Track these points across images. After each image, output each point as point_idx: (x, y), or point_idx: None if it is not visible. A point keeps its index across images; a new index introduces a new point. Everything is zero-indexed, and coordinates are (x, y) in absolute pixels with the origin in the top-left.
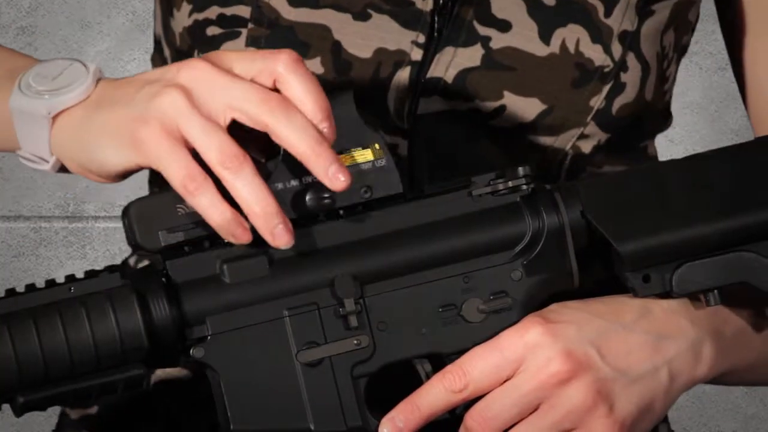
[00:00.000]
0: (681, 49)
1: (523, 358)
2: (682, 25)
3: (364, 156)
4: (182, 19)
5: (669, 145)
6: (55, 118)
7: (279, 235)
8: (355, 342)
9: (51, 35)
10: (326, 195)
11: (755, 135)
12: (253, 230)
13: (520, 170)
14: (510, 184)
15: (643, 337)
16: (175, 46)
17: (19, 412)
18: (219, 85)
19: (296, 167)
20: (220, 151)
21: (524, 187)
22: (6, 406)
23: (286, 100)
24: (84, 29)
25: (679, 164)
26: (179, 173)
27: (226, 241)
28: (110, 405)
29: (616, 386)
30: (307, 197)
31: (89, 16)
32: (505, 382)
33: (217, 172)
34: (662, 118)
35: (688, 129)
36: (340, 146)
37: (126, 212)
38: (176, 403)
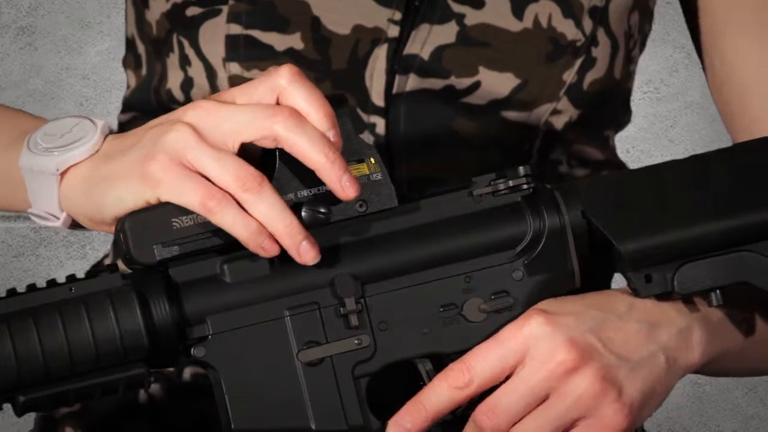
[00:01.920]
0: (643, 37)
1: (526, 349)
2: (645, 10)
3: (359, 170)
4: (159, 5)
5: (669, 145)
6: (63, 174)
7: (305, 252)
8: (356, 341)
9: (51, 35)
10: (322, 209)
11: (723, 119)
12: None
13: (521, 170)
14: (511, 183)
15: (637, 325)
16: (150, 37)
17: (20, 411)
18: (224, 114)
19: (291, 182)
20: (236, 176)
21: (525, 186)
22: (7, 406)
23: (296, 111)
24: (84, 29)
25: (680, 164)
26: (196, 195)
27: (218, 244)
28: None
29: (620, 372)
30: (303, 212)
31: (89, 16)
32: (509, 375)
33: (238, 196)
34: (624, 108)
35: (688, 129)
36: None
37: (120, 226)
38: (158, 394)
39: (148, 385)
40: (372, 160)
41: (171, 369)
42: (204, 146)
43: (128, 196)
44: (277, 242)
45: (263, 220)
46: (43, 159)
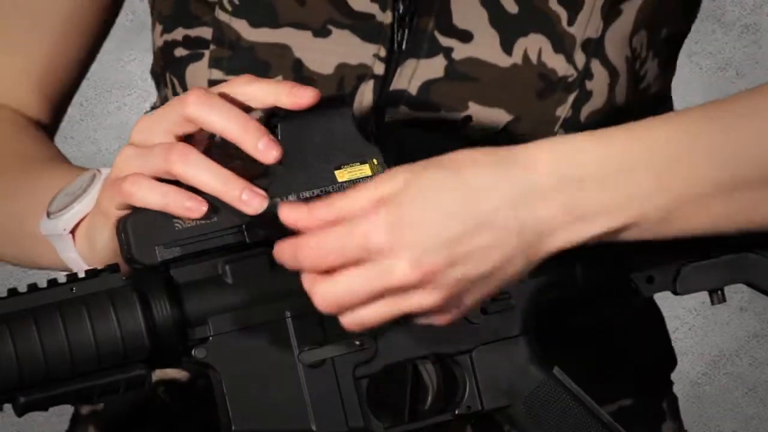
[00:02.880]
0: (663, 42)
1: (368, 252)
2: (660, 19)
3: (362, 171)
4: (156, 39)
5: None
6: (73, 232)
7: (248, 201)
8: (357, 343)
9: None
10: None
11: None
12: (253, 232)
13: None
14: None
15: (494, 236)
16: (154, 68)
17: (20, 411)
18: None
19: (292, 182)
20: (161, 155)
21: None
22: (8, 406)
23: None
24: None
25: None
26: (115, 188)
27: (221, 245)
28: (116, 402)
29: (462, 294)
30: None
31: None
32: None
33: (171, 172)
34: (659, 105)
35: None
36: (339, 161)
37: (122, 226)
38: (175, 403)
39: (149, 386)
40: (375, 161)
41: (181, 378)
42: (134, 152)
43: (103, 230)
44: (203, 200)
45: (198, 184)
46: (53, 223)
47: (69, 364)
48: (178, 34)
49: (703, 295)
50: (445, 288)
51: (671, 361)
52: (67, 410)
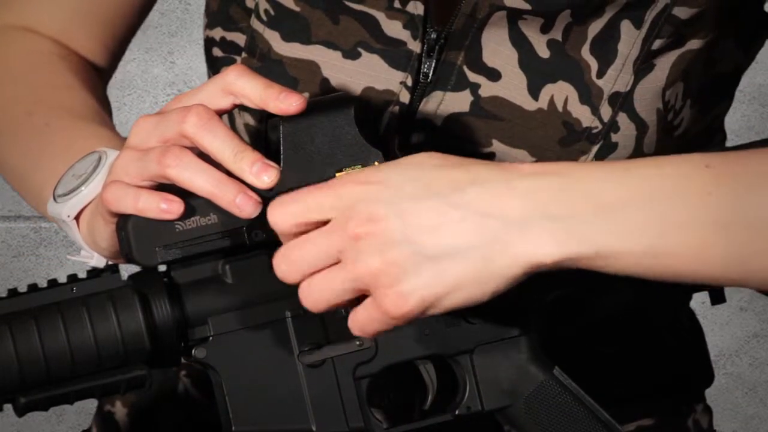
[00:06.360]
0: (710, 85)
1: (332, 207)
2: (702, 67)
3: None
4: (203, 30)
5: None
6: (79, 217)
7: (242, 205)
8: (358, 343)
9: None
10: None
11: None
12: (253, 233)
13: None
14: None
15: (457, 214)
16: None
17: (20, 412)
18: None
19: (293, 184)
20: (155, 161)
21: None
22: (8, 406)
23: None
24: None
25: None
26: (106, 193)
27: (221, 247)
28: None
29: (409, 258)
30: None
31: None
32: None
33: (165, 176)
34: (704, 142)
35: None
36: (341, 163)
37: (123, 225)
38: (195, 389)
39: (149, 386)
40: (377, 163)
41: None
42: (131, 157)
43: (102, 229)
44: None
45: (196, 189)
46: (58, 207)
47: (69, 364)
48: (217, 33)
49: (703, 295)
50: (384, 245)
51: (706, 378)
52: (67, 410)
